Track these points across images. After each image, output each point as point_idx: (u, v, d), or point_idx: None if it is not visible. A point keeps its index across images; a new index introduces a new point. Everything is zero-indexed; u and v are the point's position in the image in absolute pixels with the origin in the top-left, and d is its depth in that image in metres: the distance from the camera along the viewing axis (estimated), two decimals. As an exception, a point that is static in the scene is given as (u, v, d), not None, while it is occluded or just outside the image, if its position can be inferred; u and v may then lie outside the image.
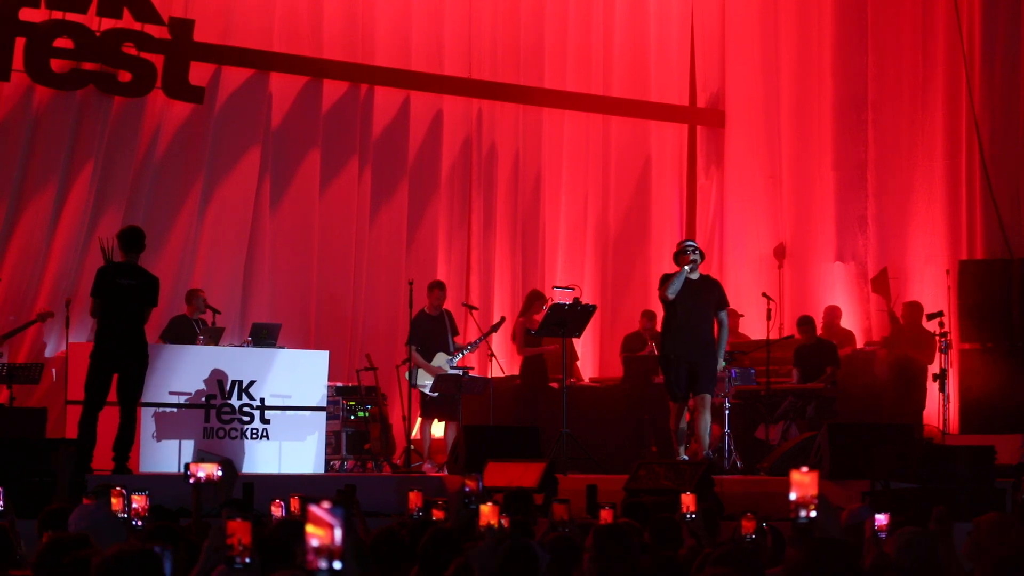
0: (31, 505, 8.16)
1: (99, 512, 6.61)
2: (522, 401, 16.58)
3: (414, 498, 7.82)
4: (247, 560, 4.85)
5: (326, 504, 3.93)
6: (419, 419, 15.81)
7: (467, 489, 7.21)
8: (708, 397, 13.88)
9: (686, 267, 13.81)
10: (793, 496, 5.17)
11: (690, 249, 13.94)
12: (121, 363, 12.37)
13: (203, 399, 13.80)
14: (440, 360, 15.48)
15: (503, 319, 16.57)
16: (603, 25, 19.69)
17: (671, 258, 19.77)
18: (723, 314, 14.06)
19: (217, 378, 13.94)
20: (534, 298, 16.83)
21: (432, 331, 15.60)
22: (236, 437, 13.95)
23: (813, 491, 5.14)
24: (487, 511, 6.18)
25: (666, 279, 13.96)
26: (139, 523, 6.80)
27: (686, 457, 13.61)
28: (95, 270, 12.64)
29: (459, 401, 15.27)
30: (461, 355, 15.81)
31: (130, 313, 12.39)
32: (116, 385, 12.41)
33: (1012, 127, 17.95)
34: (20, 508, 8.07)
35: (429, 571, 5.83)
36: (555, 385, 16.11)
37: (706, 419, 13.87)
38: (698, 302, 13.85)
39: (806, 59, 19.61)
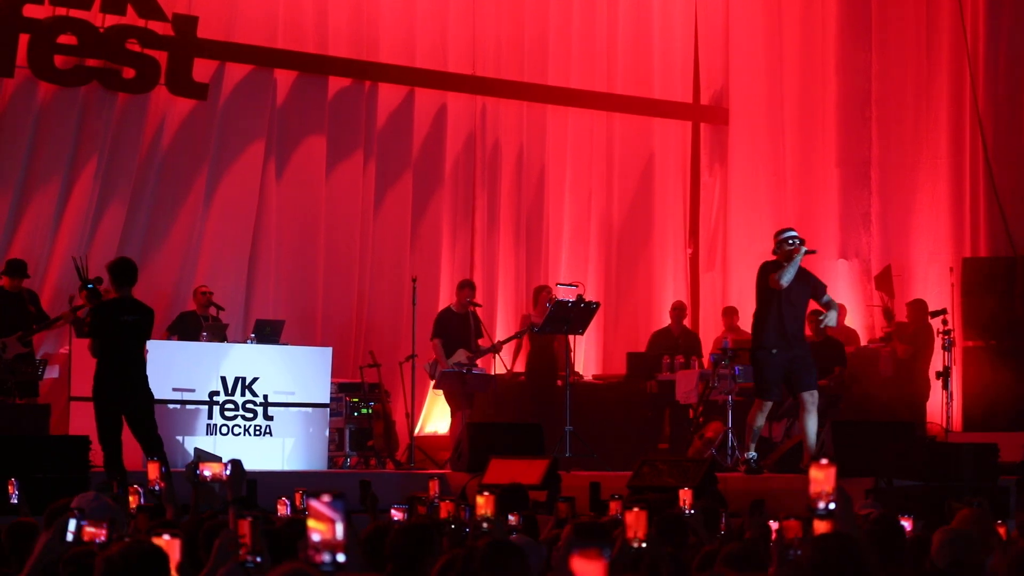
0: (33, 502, 8.19)
1: (98, 500, 6.65)
2: (526, 394, 16.52)
3: (433, 486, 8.16)
4: (258, 559, 4.85)
5: (326, 498, 3.92)
6: (451, 417, 15.61)
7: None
8: (815, 394, 13.27)
9: (797, 255, 13.24)
10: (811, 490, 5.14)
11: (798, 240, 13.40)
12: (128, 403, 11.60)
13: (206, 395, 13.80)
14: (460, 357, 15.45)
15: (533, 326, 16.27)
16: (607, 22, 19.67)
17: (674, 255, 20.02)
18: (828, 298, 13.61)
19: (220, 374, 13.94)
20: (537, 293, 16.80)
21: (456, 328, 15.59)
22: (239, 434, 13.95)
23: (830, 486, 5.11)
24: (482, 502, 6.19)
25: (774, 267, 13.34)
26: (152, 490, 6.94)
27: (754, 454, 13.33)
28: (92, 275, 12.45)
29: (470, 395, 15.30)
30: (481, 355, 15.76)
31: (132, 351, 11.66)
32: (130, 428, 11.63)
33: (1016, 124, 17.94)
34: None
35: (403, 569, 5.76)
36: (559, 383, 16.10)
37: (814, 420, 13.15)
38: (797, 291, 13.39)
39: (810, 56, 19.58)
